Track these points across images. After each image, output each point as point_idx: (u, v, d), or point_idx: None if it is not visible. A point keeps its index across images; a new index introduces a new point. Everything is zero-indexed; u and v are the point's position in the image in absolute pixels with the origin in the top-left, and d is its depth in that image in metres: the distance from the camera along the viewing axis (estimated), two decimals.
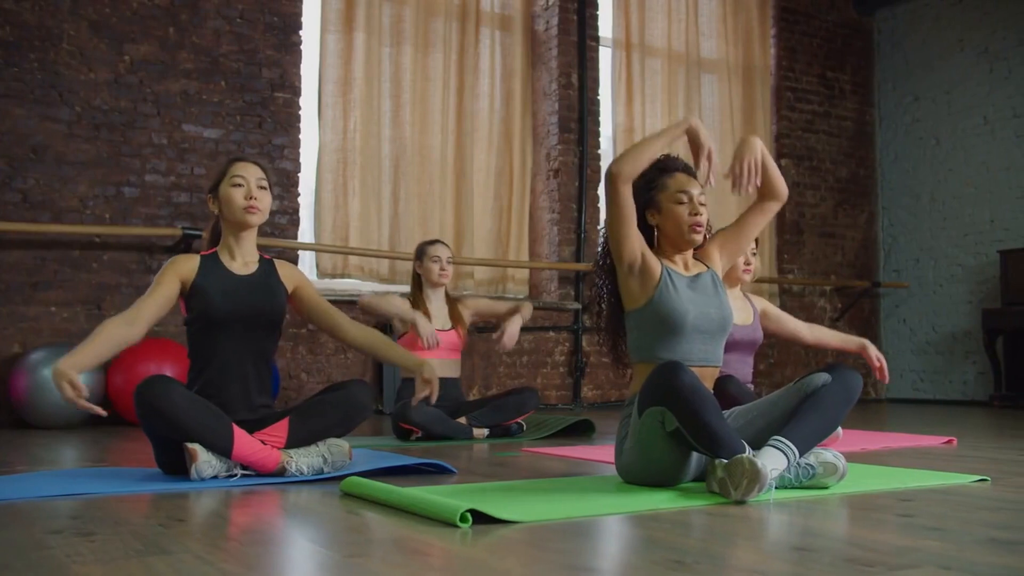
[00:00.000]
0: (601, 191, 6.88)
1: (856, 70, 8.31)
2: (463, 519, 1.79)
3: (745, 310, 3.89)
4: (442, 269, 4.23)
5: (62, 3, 5.22)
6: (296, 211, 5.82)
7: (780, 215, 7.75)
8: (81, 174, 5.20)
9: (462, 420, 4.06)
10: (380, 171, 6.12)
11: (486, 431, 4.07)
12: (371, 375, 5.91)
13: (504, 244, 6.59)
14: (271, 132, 5.73)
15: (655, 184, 2.55)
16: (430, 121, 6.33)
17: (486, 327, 5.89)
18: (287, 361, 5.67)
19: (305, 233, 5.93)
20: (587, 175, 6.71)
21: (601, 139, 6.93)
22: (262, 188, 2.76)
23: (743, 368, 3.80)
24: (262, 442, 2.56)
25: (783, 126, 7.84)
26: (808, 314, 7.80)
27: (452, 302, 4.33)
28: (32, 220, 5.06)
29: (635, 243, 2.46)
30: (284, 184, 5.75)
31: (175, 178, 5.42)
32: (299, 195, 5.84)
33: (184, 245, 5.19)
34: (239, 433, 2.51)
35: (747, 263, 3.83)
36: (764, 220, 2.66)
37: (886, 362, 3.61)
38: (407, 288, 4.78)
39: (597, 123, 6.88)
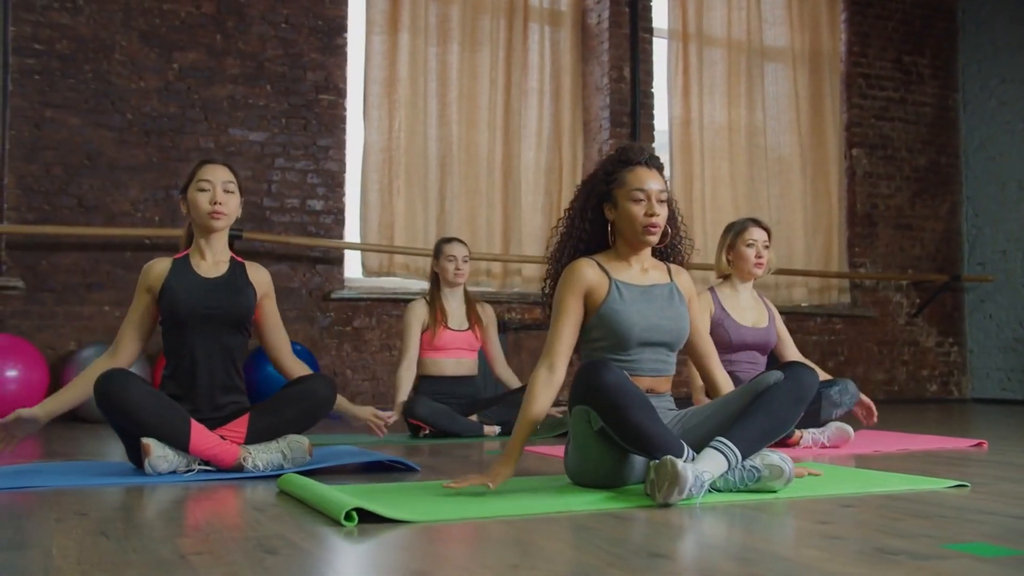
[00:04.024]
0: None
1: (936, 53, 7.90)
2: (348, 518, 1.78)
3: (759, 311, 3.74)
4: (457, 268, 4.21)
5: (115, 15, 5.45)
6: (341, 211, 5.92)
7: (851, 206, 7.45)
8: (132, 179, 5.42)
9: (473, 417, 4.05)
10: (426, 170, 6.16)
11: (497, 428, 4.04)
12: None
13: None
14: (316, 134, 5.85)
15: (614, 178, 2.45)
16: (477, 119, 6.33)
17: (521, 325, 5.87)
18: (332, 359, 5.77)
19: (351, 232, 6.02)
20: None
21: (655, 133, 6.80)
22: (229, 192, 2.81)
23: (753, 369, 3.66)
24: (222, 437, 2.61)
25: (854, 115, 7.52)
26: (882, 309, 7.48)
27: (471, 302, 4.31)
28: (86, 224, 5.30)
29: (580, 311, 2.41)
30: (329, 184, 5.86)
31: None
32: (344, 195, 5.94)
33: None
34: (196, 428, 2.56)
35: (758, 256, 3.69)
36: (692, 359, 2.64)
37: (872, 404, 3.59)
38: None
39: (651, 116, 6.75)
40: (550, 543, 1.64)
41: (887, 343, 7.48)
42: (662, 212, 2.40)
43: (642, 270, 2.46)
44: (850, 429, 3.43)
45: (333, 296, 5.78)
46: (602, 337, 2.38)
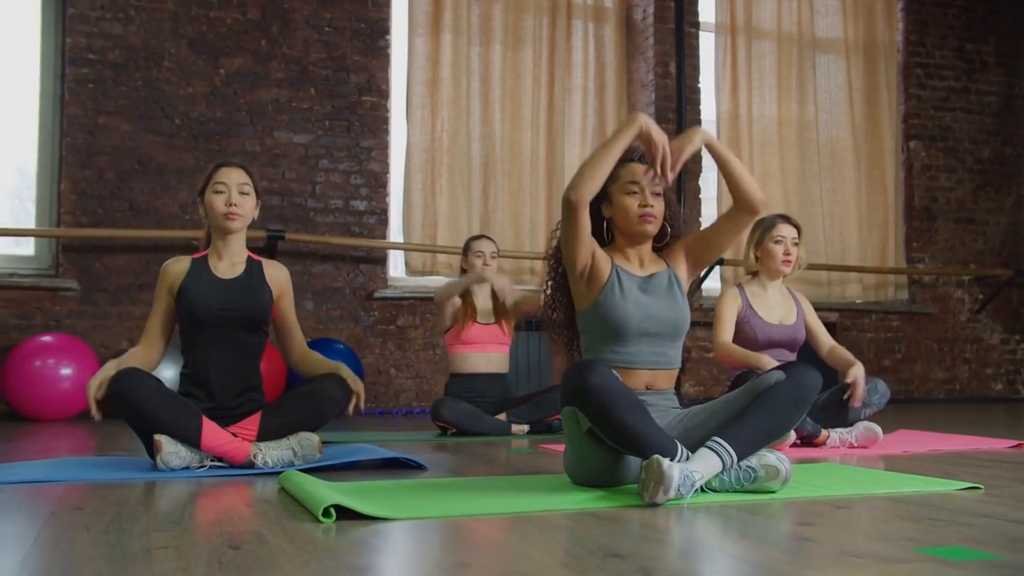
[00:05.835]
0: (702, 182, 6.69)
1: (1002, 40, 7.63)
2: (326, 514, 1.81)
3: (787, 307, 3.66)
4: (485, 264, 4.24)
5: (164, 24, 5.60)
6: (385, 211, 5.99)
7: (908, 200, 7.25)
8: (181, 182, 5.57)
9: (502, 416, 4.06)
10: (469, 169, 6.19)
11: (526, 427, 4.05)
12: None
13: None
14: (359, 135, 5.93)
15: (608, 176, 2.46)
16: (520, 118, 6.34)
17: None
18: (376, 357, 5.84)
19: (394, 232, 6.09)
20: (687, 165, 6.51)
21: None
22: (244, 193, 2.86)
23: None
24: (233, 434, 2.66)
25: (912, 106, 7.31)
26: (942, 306, 7.26)
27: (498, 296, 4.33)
28: (137, 227, 5.46)
29: (588, 252, 2.37)
30: (372, 185, 5.94)
31: (267, 183, 5.70)
32: (388, 195, 6.01)
33: (269, 246, 5.42)
34: (208, 425, 2.62)
35: (787, 253, 3.61)
36: (735, 230, 2.48)
37: (862, 385, 3.41)
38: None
39: (697, 112, 6.68)
40: (515, 542, 1.64)
41: (947, 340, 7.26)
42: (657, 204, 2.40)
43: (641, 264, 2.45)
44: (878, 429, 3.34)
45: (376, 295, 5.85)
46: (599, 328, 2.36)
